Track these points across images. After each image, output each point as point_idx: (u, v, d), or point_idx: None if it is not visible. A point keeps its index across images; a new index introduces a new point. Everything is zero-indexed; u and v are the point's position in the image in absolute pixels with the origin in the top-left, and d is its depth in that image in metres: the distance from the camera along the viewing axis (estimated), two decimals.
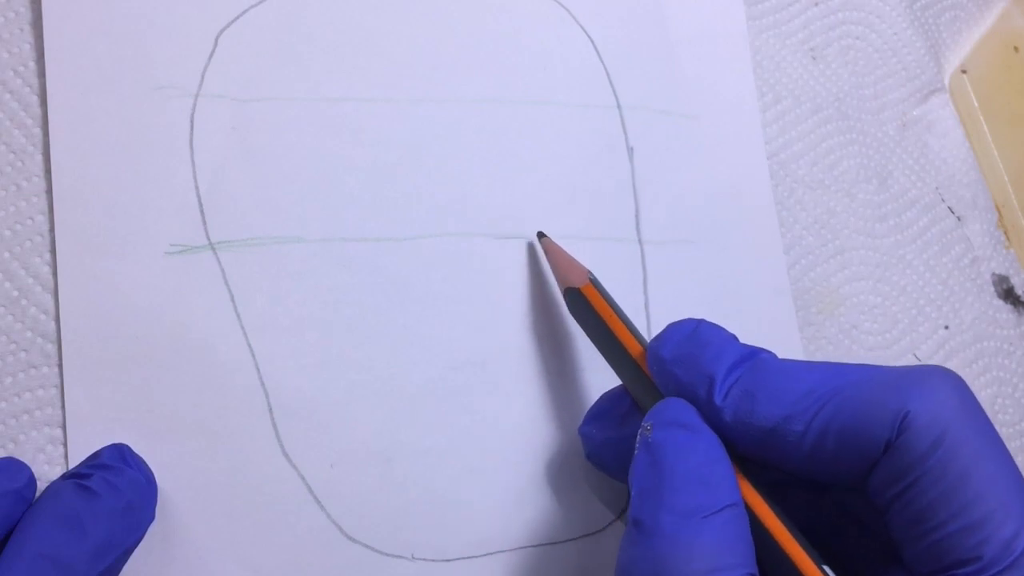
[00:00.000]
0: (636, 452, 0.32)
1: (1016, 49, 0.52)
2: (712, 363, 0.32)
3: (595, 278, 0.37)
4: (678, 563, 0.28)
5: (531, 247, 0.40)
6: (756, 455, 0.32)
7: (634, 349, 0.35)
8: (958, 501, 0.28)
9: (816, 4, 0.50)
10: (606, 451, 0.36)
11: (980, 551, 0.27)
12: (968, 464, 0.28)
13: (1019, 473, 0.29)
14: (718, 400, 0.31)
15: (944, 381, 0.30)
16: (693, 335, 0.33)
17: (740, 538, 0.29)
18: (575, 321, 0.38)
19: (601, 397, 0.37)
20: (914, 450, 0.28)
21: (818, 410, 0.30)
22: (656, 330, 0.41)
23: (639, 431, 0.32)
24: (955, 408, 0.29)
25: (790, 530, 0.31)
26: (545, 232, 0.40)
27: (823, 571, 0.30)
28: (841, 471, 0.30)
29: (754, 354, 0.33)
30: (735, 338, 0.34)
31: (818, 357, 0.45)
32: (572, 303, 0.37)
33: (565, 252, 0.39)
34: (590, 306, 0.36)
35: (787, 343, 0.44)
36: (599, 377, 0.40)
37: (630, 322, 0.36)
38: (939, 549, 0.28)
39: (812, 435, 0.30)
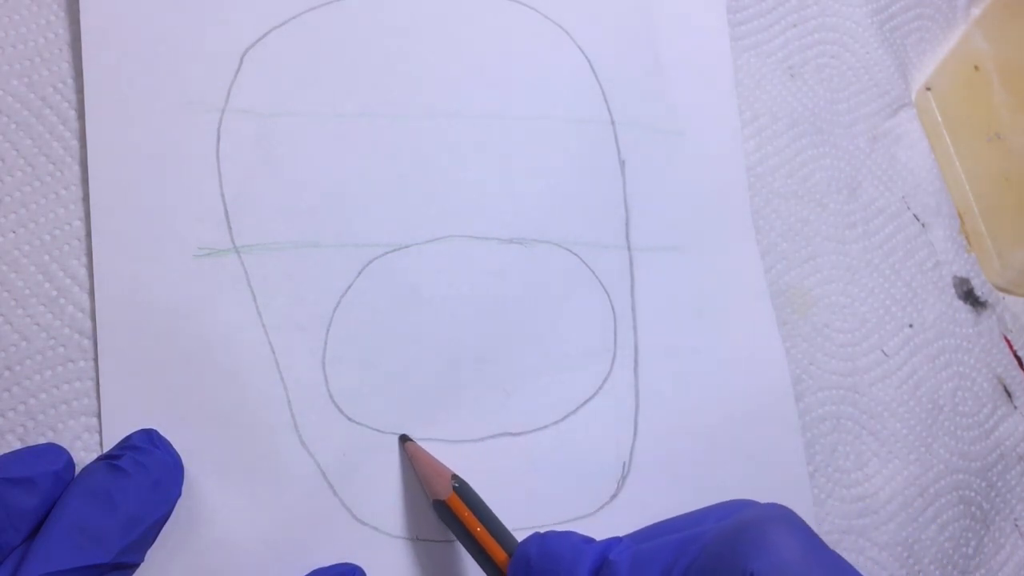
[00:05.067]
0: None
1: (977, 68, 0.52)
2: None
3: (461, 483, 0.35)
4: None
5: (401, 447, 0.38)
6: None
7: (499, 556, 0.34)
8: None
9: (794, 25, 0.50)
10: None
11: None
12: None
13: None
14: None
15: (776, 527, 0.30)
16: (542, 552, 0.32)
17: None
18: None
19: None
20: None
21: None
22: (643, 334, 0.42)
23: None
24: (792, 553, 0.29)
25: None
26: (409, 436, 0.38)
27: None
28: None
29: (602, 556, 0.31)
30: (584, 541, 0.32)
31: (793, 353, 0.45)
32: (439, 512, 0.36)
33: (430, 458, 0.37)
34: (455, 516, 0.35)
35: (766, 341, 0.44)
36: (593, 372, 0.41)
37: (498, 524, 0.35)
38: None
39: None
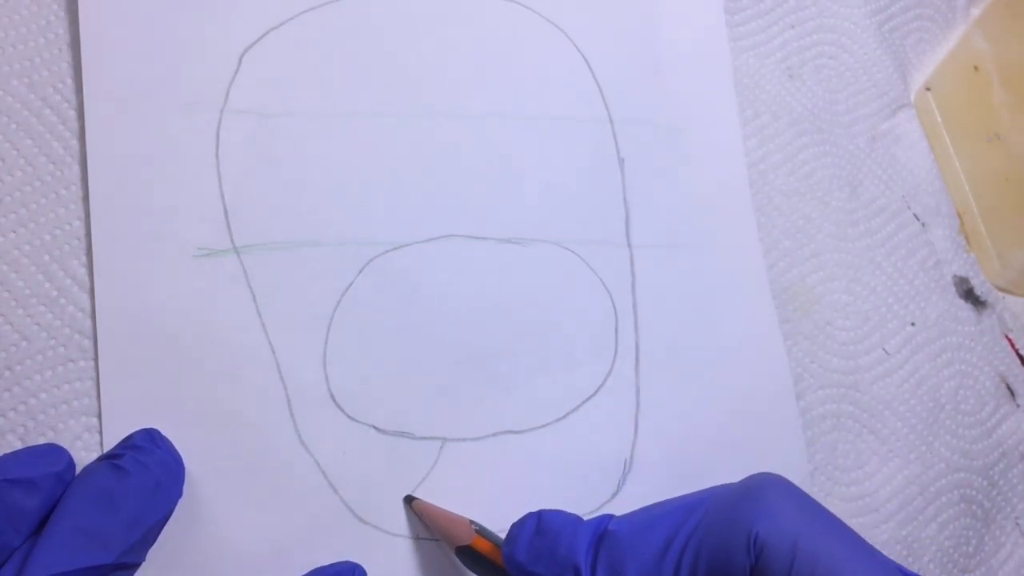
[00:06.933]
0: None
1: (976, 69, 0.52)
2: (570, 552, 0.31)
3: (478, 525, 0.35)
4: None
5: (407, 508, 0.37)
6: None
7: None
8: None
9: (792, 27, 0.50)
10: None
11: None
12: (826, 558, 0.28)
13: (863, 542, 0.29)
14: None
15: (775, 490, 0.30)
16: (539, 529, 0.32)
17: None
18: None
19: None
20: (776, 566, 0.28)
21: (679, 560, 0.29)
22: (644, 332, 0.42)
23: None
24: (793, 513, 0.29)
25: None
26: (414, 499, 0.37)
27: None
28: None
29: (602, 526, 0.31)
30: (578, 517, 0.32)
31: (795, 351, 0.44)
32: (464, 557, 0.35)
33: (443, 510, 0.36)
34: (484, 556, 0.34)
35: (768, 339, 0.44)
36: (594, 371, 0.40)
37: None
38: None
39: None
